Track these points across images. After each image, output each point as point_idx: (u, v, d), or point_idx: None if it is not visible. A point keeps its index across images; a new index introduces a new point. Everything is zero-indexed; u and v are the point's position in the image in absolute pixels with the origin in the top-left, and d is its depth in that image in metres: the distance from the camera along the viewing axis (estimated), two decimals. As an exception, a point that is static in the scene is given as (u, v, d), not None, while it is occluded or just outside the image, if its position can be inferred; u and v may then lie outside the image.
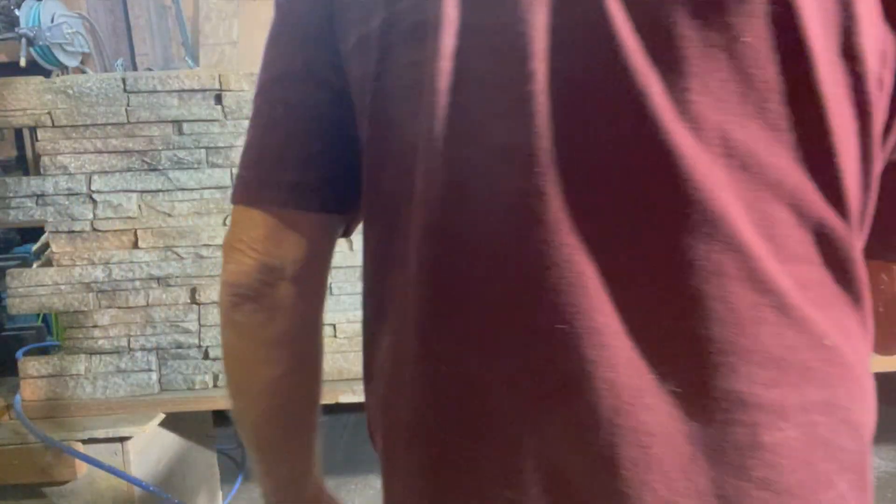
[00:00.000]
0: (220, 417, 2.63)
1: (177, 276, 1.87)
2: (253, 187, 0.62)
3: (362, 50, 0.57)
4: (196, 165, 1.84)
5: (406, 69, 0.54)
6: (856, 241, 0.50)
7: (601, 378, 0.48)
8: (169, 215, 1.85)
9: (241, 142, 1.82)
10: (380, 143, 0.58)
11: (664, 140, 0.47)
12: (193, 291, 1.88)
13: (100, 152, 1.82)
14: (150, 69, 2.87)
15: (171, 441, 2.03)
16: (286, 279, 0.63)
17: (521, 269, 0.50)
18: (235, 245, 0.62)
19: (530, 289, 0.50)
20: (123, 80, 1.81)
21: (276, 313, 0.64)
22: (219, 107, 1.82)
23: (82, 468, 1.76)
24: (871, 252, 0.53)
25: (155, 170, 1.83)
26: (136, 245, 1.86)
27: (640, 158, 0.48)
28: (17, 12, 2.33)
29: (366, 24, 0.56)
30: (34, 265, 1.92)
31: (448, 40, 0.51)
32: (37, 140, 1.83)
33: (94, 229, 1.85)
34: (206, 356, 1.91)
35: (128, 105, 1.81)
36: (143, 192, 1.84)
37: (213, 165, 1.84)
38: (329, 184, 0.63)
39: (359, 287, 1.89)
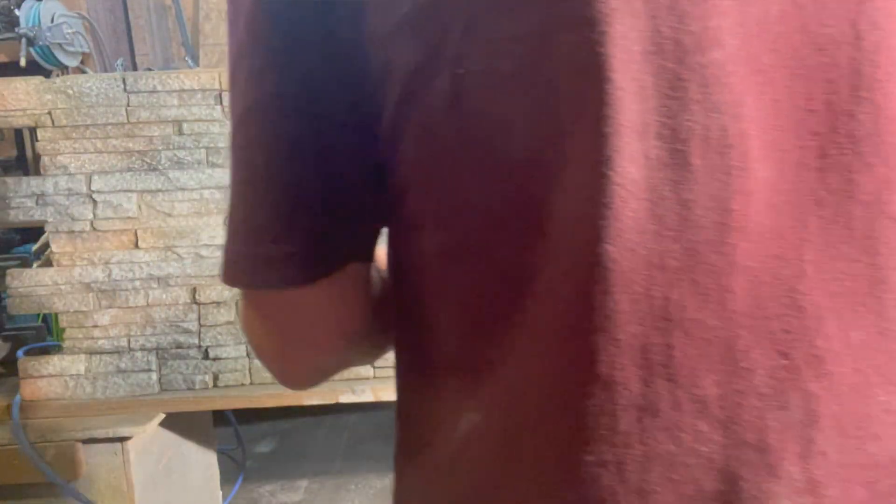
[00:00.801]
0: (220, 417, 2.63)
1: (177, 276, 1.87)
2: (260, 267, 0.48)
3: (419, 26, 0.40)
4: (196, 165, 1.84)
5: (523, 48, 0.38)
6: None
7: (827, 415, 0.41)
8: (169, 215, 1.85)
9: (241, 142, 1.83)
10: (475, 152, 0.42)
11: None
12: (193, 291, 1.88)
13: (100, 152, 1.82)
14: (150, 69, 2.87)
15: (171, 441, 2.03)
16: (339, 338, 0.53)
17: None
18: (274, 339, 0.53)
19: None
20: (123, 80, 1.81)
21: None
22: (219, 107, 1.82)
23: (82, 468, 1.76)
24: None
25: (155, 170, 1.83)
26: (136, 245, 1.86)
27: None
28: (17, 12, 2.33)
29: None
30: (34, 265, 1.92)
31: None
32: (37, 140, 1.83)
33: (94, 229, 1.85)
34: (206, 356, 1.91)
35: (128, 105, 1.81)
36: (143, 192, 1.84)
37: (213, 165, 1.84)
38: (355, 235, 0.49)
39: (359, 287, 1.89)
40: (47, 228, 1.87)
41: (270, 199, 0.45)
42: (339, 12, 0.42)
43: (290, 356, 0.55)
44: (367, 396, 1.89)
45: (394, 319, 0.52)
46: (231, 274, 0.49)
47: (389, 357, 1.76)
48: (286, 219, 0.46)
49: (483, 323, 0.44)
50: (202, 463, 2.28)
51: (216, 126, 1.83)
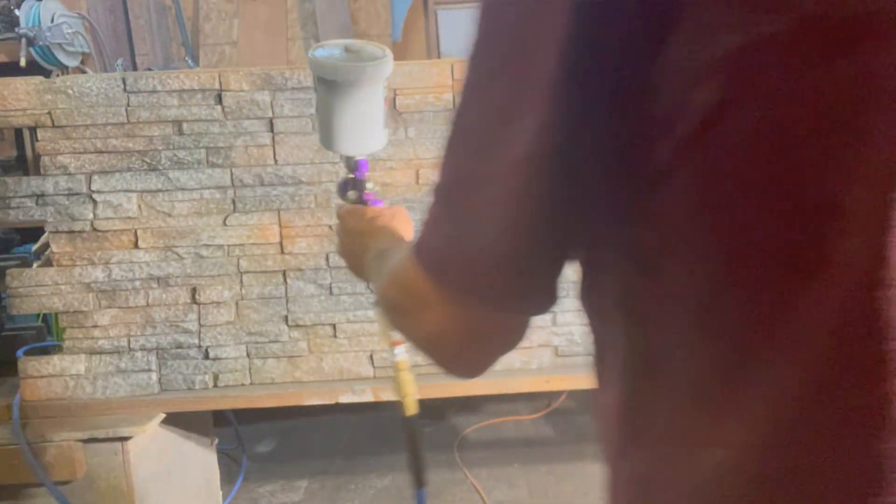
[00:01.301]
0: (220, 417, 2.63)
1: (177, 276, 1.87)
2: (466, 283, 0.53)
3: (737, 63, 0.40)
4: (196, 165, 1.84)
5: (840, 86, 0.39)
6: None
7: None
8: (169, 215, 1.85)
9: (240, 142, 1.83)
10: (766, 191, 0.42)
11: None
12: (193, 291, 1.88)
13: (100, 152, 1.82)
14: (150, 69, 2.87)
15: (171, 441, 2.03)
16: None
17: None
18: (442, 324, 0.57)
19: None
20: (123, 80, 1.81)
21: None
22: (219, 107, 1.82)
23: (82, 468, 1.76)
24: None
25: (155, 170, 1.84)
26: (136, 245, 1.86)
27: None
28: (17, 12, 2.33)
29: (751, 28, 0.40)
30: (34, 265, 1.92)
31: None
32: (37, 140, 1.83)
33: (94, 229, 1.85)
34: (206, 356, 1.91)
35: (128, 105, 1.81)
36: (143, 192, 1.84)
37: (213, 165, 1.84)
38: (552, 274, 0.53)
39: (359, 287, 1.89)
40: (47, 228, 1.87)
41: (531, 240, 0.49)
42: (637, 57, 0.43)
43: (474, 355, 0.61)
44: (367, 396, 1.89)
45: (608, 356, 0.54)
46: (474, 290, 0.53)
47: (389, 357, 1.76)
48: (544, 260, 0.51)
49: (744, 359, 0.44)
50: (202, 463, 2.28)
51: (216, 126, 1.83)
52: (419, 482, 1.33)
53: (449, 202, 0.53)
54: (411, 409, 1.20)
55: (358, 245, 0.92)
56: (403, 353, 1.15)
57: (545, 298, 0.53)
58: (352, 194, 1.08)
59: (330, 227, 1.87)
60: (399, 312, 0.64)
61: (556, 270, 0.52)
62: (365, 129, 1.05)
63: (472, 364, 0.62)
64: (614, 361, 0.53)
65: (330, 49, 1.04)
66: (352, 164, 1.09)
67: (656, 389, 0.49)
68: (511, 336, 0.58)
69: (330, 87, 1.01)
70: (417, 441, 1.30)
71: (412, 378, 1.20)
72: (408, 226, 0.95)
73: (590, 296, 0.55)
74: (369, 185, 1.08)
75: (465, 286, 0.53)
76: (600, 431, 0.57)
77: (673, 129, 0.43)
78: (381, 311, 0.73)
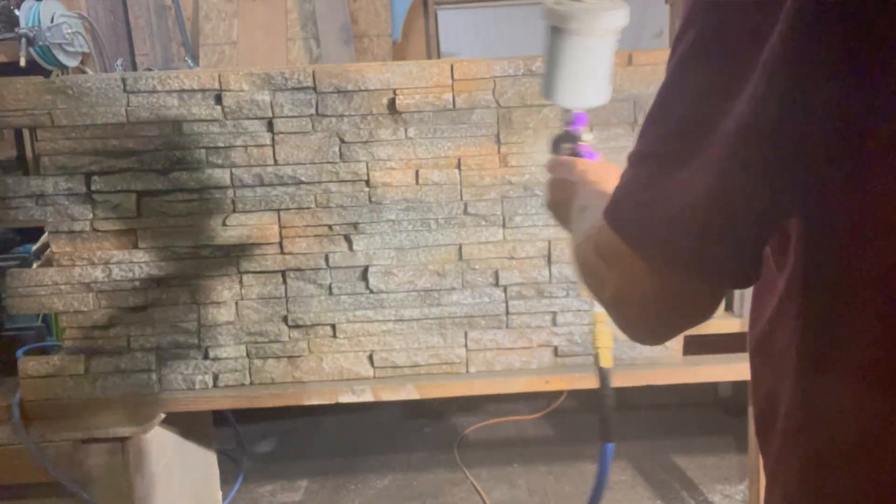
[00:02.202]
0: (220, 417, 2.63)
1: (177, 276, 1.87)
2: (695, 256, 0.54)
3: None
4: (196, 165, 1.84)
5: None
6: None
7: None
8: (169, 215, 1.85)
9: (240, 142, 1.83)
10: None
11: None
12: (193, 291, 1.88)
13: (99, 152, 1.82)
14: (150, 69, 2.87)
15: (171, 441, 2.03)
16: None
17: None
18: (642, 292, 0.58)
19: None
20: (123, 80, 1.81)
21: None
22: (219, 107, 1.82)
23: (82, 468, 1.76)
24: None
25: (155, 170, 1.83)
26: (136, 245, 1.86)
27: None
28: (17, 12, 2.33)
29: None
30: (34, 265, 1.92)
31: None
32: (37, 140, 1.83)
33: (94, 229, 1.85)
34: (205, 356, 1.91)
35: (128, 105, 1.81)
36: (143, 192, 1.84)
37: (213, 165, 1.84)
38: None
39: (359, 287, 1.89)
40: (47, 228, 1.87)
41: (743, 210, 0.51)
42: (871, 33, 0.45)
43: (655, 324, 0.62)
44: (367, 396, 1.89)
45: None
46: (675, 257, 0.53)
47: (389, 357, 1.77)
48: (751, 231, 0.52)
49: None
50: (202, 463, 2.28)
51: (216, 126, 1.83)
52: (606, 436, 1.36)
53: (653, 170, 0.55)
54: (606, 360, 1.24)
55: (565, 197, 0.92)
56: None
57: (748, 270, 0.53)
58: (566, 147, 1.05)
59: (330, 227, 1.87)
60: (588, 271, 0.67)
61: (761, 244, 0.53)
62: (589, 81, 1.03)
63: (653, 332, 0.64)
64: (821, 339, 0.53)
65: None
66: (569, 117, 1.07)
67: (845, 369, 0.51)
68: (698, 309, 0.59)
69: (560, 35, 0.99)
70: (608, 393, 1.33)
71: (609, 331, 1.22)
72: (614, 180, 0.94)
73: (793, 271, 0.55)
74: (585, 137, 1.06)
75: (664, 252, 0.54)
76: (766, 413, 0.59)
77: None
78: (576, 269, 0.75)
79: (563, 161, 0.99)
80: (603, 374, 1.29)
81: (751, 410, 2.11)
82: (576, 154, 1.04)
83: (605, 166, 0.95)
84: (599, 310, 1.19)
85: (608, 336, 1.25)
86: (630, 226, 0.57)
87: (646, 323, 0.62)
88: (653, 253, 0.55)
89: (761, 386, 0.61)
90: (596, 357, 1.24)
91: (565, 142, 1.06)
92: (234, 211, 1.86)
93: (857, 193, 0.48)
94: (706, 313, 0.59)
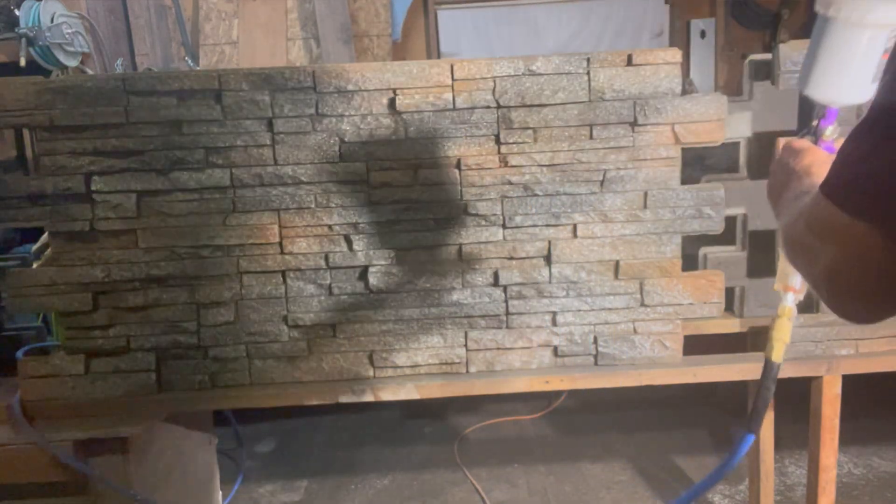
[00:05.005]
0: (220, 417, 2.63)
1: (177, 276, 1.87)
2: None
3: None
4: (196, 165, 1.84)
5: None
6: None
7: None
8: (169, 215, 1.85)
9: (240, 142, 1.83)
10: None
11: None
12: (193, 291, 1.88)
13: (99, 152, 1.82)
14: (150, 69, 2.87)
15: (171, 441, 2.03)
16: None
17: None
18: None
19: None
20: (123, 80, 1.81)
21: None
22: (218, 107, 1.82)
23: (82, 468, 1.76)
24: None
25: (155, 170, 1.83)
26: (136, 245, 1.86)
27: None
28: (17, 12, 2.33)
29: None
30: (34, 265, 1.92)
31: None
32: (37, 140, 1.83)
33: (94, 229, 1.85)
34: (205, 356, 1.91)
35: (127, 105, 1.81)
36: (143, 192, 1.84)
37: (213, 165, 1.84)
38: None
39: (359, 287, 1.89)
40: (47, 228, 1.87)
41: None
42: None
43: (869, 297, 0.63)
44: (367, 396, 1.89)
45: None
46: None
47: (389, 357, 1.77)
48: None
49: None
50: (202, 463, 2.28)
51: (216, 126, 1.83)
52: (752, 427, 1.38)
53: (875, 140, 0.57)
54: (778, 355, 1.25)
55: (782, 181, 0.91)
56: (792, 301, 1.19)
57: None
58: (809, 139, 1.02)
59: (329, 227, 1.87)
60: (801, 248, 0.69)
61: None
62: (845, 76, 0.97)
63: (865, 307, 0.65)
64: None
65: None
66: (821, 112, 1.03)
67: None
68: None
69: (829, 24, 0.93)
70: (770, 387, 1.35)
71: (789, 326, 1.24)
72: None
73: None
74: (828, 131, 1.03)
75: (885, 215, 0.57)
76: None
77: None
78: (785, 249, 0.77)
79: (793, 147, 0.96)
80: (769, 367, 1.30)
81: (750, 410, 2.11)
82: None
83: (830, 156, 0.92)
84: (789, 304, 1.21)
85: (787, 331, 1.26)
86: (856, 194, 0.59)
87: (862, 296, 0.63)
88: (874, 217, 0.58)
89: None
90: (769, 348, 1.27)
91: (808, 134, 1.04)
92: (234, 211, 1.86)
93: None
94: None
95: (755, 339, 2.01)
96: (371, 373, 1.93)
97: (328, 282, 1.90)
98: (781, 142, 1.01)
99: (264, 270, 1.88)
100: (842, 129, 1.00)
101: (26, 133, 2.29)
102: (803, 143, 0.98)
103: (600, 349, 1.93)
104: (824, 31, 0.94)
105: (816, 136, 1.04)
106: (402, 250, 1.89)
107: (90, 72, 2.59)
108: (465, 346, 1.93)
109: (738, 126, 1.95)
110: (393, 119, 1.84)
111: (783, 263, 1.16)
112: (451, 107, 1.84)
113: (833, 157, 0.95)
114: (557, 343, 1.94)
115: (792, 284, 1.18)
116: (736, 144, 2.00)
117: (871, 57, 0.94)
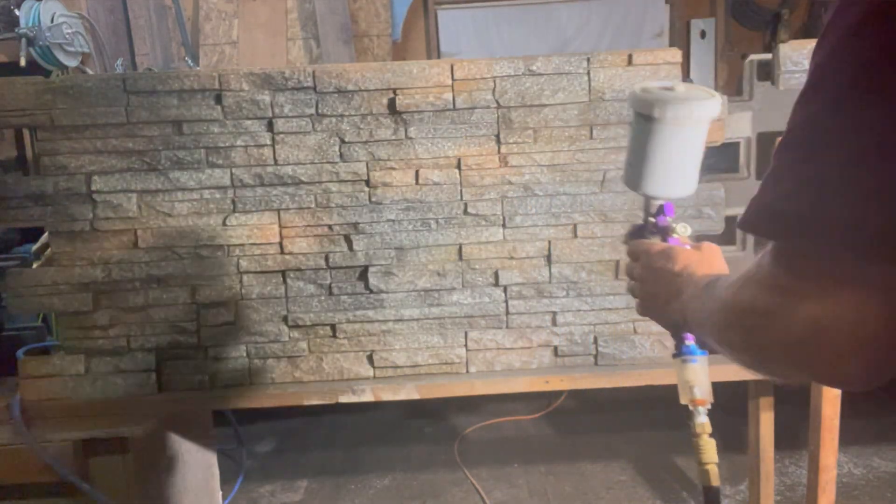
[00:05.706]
0: (220, 417, 2.63)
1: (177, 276, 1.87)
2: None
3: None
4: (196, 165, 1.84)
5: None
6: None
7: None
8: (169, 215, 1.85)
9: (240, 142, 1.83)
10: None
11: None
12: (193, 291, 1.88)
13: (99, 152, 1.82)
14: (150, 69, 2.87)
15: (171, 441, 2.03)
16: None
17: None
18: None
19: None
20: (123, 80, 1.81)
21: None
22: (219, 107, 1.82)
23: (82, 468, 1.76)
24: None
25: (155, 170, 1.83)
26: (136, 245, 1.86)
27: None
28: (17, 12, 2.33)
29: None
30: (34, 265, 1.92)
31: None
32: (37, 140, 1.83)
33: (94, 229, 1.85)
34: (205, 356, 1.91)
35: (128, 105, 1.81)
36: (143, 192, 1.84)
37: (213, 165, 1.84)
38: None
39: (359, 287, 1.89)
40: (47, 228, 1.87)
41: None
42: None
43: (862, 352, 0.54)
44: (367, 396, 1.89)
45: None
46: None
47: (389, 357, 1.76)
48: None
49: None
50: (202, 463, 2.28)
51: (216, 126, 1.83)
52: None
53: (837, 165, 0.52)
54: (714, 479, 1.07)
55: (668, 287, 0.88)
56: (705, 415, 1.03)
57: None
58: (654, 240, 1.02)
59: (329, 227, 1.87)
60: (746, 330, 0.61)
61: None
62: (679, 171, 1.00)
63: (860, 366, 0.55)
64: None
65: (653, 88, 1.00)
66: (655, 208, 1.04)
67: None
68: None
69: (650, 123, 0.97)
70: None
71: (713, 444, 1.06)
72: (723, 263, 0.90)
73: None
74: (680, 229, 1.02)
75: (854, 234, 0.51)
76: None
77: None
78: (714, 342, 0.69)
79: (662, 250, 0.94)
80: (712, 496, 1.11)
81: (751, 410, 2.11)
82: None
83: (708, 253, 0.91)
84: (702, 420, 1.03)
85: (713, 450, 1.07)
86: (814, 224, 0.53)
87: (852, 355, 0.54)
88: (846, 241, 0.51)
89: None
90: (704, 475, 1.05)
91: (652, 233, 1.03)
92: (234, 211, 1.86)
93: None
94: None
95: (755, 339, 2.01)
96: (371, 373, 1.93)
97: (328, 282, 1.90)
98: (632, 251, 1.00)
99: (264, 270, 1.88)
100: (684, 223, 1.02)
101: (26, 133, 2.29)
102: (661, 245, 0.97)
103: (600, 349, 1.93)
104: (647, 130, 0.97)
105: (663, 234, 1.02)
106: (402, 250, 1.89)
107: (90, 72, 2.59)
108: (465, 346, 1.93)
109: (738, 126, 1.96)
110: (393, 119, 1.84)
111: (683, 374, 1.01)
112: (451, 107, 1.84)
113: (702, 252, 0.91)
114: (557, 343, 1.94)
115: (701, 396, 1.02)
116: (736, 144, 2.00)
117: (697, 149, 0.98)
